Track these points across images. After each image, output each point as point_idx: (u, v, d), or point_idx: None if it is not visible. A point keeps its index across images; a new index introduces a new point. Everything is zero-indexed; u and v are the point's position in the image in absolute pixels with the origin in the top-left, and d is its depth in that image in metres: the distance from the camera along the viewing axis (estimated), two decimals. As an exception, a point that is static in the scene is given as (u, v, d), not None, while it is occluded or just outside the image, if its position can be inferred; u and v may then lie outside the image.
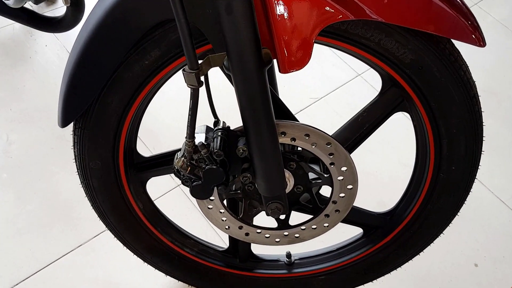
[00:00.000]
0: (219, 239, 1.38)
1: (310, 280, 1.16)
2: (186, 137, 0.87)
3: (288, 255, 1.16)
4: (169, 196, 1.47)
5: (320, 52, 1.88)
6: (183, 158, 0.90)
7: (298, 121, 0.94)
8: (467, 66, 0.89)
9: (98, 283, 1.29)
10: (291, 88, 1.81)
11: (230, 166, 0.92)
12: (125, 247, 1.14)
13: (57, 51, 1.76)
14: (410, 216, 1.05)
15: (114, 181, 1.01)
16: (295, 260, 1.16)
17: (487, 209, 1.55)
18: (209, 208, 1.03)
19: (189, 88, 0.81)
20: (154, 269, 1.16)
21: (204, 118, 0.99)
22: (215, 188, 0.92)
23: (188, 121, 0.85)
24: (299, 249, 1.17)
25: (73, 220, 1.39)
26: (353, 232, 1.13)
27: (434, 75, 0.86)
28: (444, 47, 0.85)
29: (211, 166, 0.88)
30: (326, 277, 1.15)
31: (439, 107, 0.90)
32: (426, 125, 0.93)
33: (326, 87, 1.79)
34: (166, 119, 1.66)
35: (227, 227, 1.05)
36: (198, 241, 1.17)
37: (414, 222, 1.05)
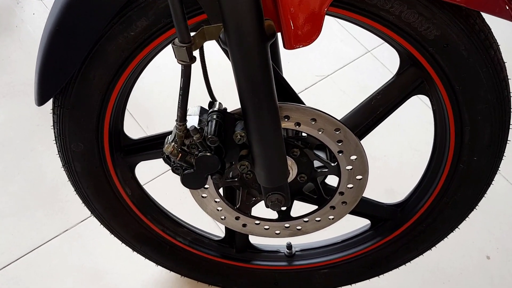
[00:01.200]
0: (216, 227, 1.31)
1: (312, 273, 1.11)
2: (176, 120, 0.78)
3: (289, 246, 1.11)
4: (162, 179, 1.40)
5: (327, 26, 1.76)
6: (173, 143, 0.81)
7: (303, 103, 0.84)
8: (498, 45, 0.79)
9: (84, 272, 1.24)
10: (295, 64, 1.70)
11: (226, 153, 0.84)
12: (112, 235, 1.07)
13: (45, 20, 1.64)
14: (424, 209, 0.99)
15: (98, 165, 0.94)
16: (296, 251, 1.11)
17: (501, 198, 1.47)
18: (203, 196, 0.95)
19: (180, 65, 0.71)
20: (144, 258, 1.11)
21: (200, 99, 0.90)
22: (209, 177, 0.83)
23: (178, 102, 0.76)
24: (300, 240, 1.10)
25: (59, 203, 1.33)
26: (359, 223, 1.07)
27: (461, 54, 0.77)
28: (474, 22, 0.75)
29: (204, 153, 0.79)
30: (329, 271, 1.10)
31: (464, 90, 0.81)
32: (448, 111, 0.85)
33: (333, 64, 1.69)
34: (162, 96, 1.57)
35: (222, 217, 0.98)
36: (192, 230, 1.11)
37: (427, 216, 0.99)
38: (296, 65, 1.70)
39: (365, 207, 1.01)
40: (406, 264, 1.09)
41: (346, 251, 1.07)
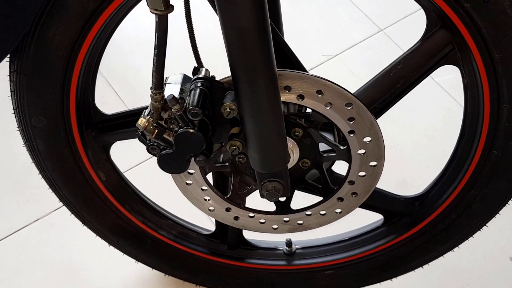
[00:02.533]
0: (208, 220, 1.19)
1: (314, 274, 1.01)
2: (151, 88, 0.64)
3: (289, 243, 1.01)
4: (149, 164, 1.29)
5: (336, 3, 1.67)
6: (148, 117, 0.68)
7: (307, 72, 0.70)
8: (551, 2, 0.65)
9: (55, 267, 1.16)
10: (300, 42, 1.63)
11: (214, 131, 0.71)
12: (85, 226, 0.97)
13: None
14: (447, 203, 0.88)
15: (65, 144, 0.84)
16: (297, 249, 1.02)
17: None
18: (187, 183, 0.82)
19: (153, 15, 0.57)
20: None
21: (188, 70, 0.76)
22: (192, 159, 0.69)
23: (153, 64, 0.61)
24: (302, 236, 1.00)
25: (31, 189, 1.24)
26: (370, 218, 0.97)
27: (504, 11, 0.64)
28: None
29: (185, 130, 0.66)
30: (333, 272, 1.01)
31: (505, 59, 0.69)
32: (483, 85, 0.73)
33: (342, 43, 1.60)
34: (149, 67, 1.44)
35: (211, 208, 0.86)
36: (178, 222, 1.00)
37: (451, 211, 0.89)
38: (301, 44, 1.60)
39: (378, 200, 0.91)
40: (423, 266, 0.99)
41: (355, 250, 0.98)
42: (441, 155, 1.44)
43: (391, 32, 1.64)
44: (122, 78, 1.41)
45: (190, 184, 0.83)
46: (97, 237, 0.98)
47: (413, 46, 0.73)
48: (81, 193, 0.89)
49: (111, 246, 1.00)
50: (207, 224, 1.11)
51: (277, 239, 1.01)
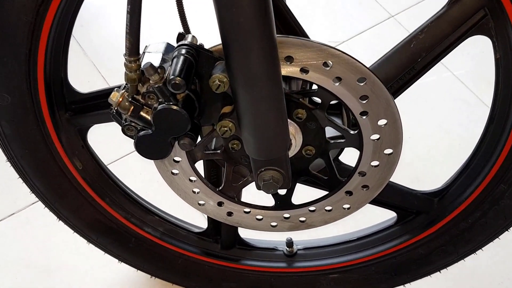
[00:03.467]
0: (200, 216, 1.10)
1: (318, 278, 0.95)
2: (125, 54, 0.54)
3: (289, 243, 0.94)
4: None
5: None
6: (123, 91, 0.57)
7: (313, 39, 0.60)
8: None
9: (30, 266, 1.10)
10: (307, 27, 1.52)
11: (203, 110, 0.61)
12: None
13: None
14: (471, 200, 0.81)
15: (34, 126, 0.75)
16: (299, 250, 0.95)
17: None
18: (173, 173, 0.73)
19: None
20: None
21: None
22: (176, 142, 0.59)
23: (126, 24, 0.51)
24: (304, 236, 0.95)
25: (7, 181, 1.17)
26: (382, 215, 0.91)
27: None
28: None
29: (166, 106, 0.56)
30: (340, 276, 0.94)
31: None
32: None
33: (350, 29, 1.55)
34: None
35: (201, 202, 0.78)
36: (165, 218, 0.92)
37: (475, 209, 0.81)
38: (307, 29, 1.51)
39: (391, 195, 0.83)
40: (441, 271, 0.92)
41: (364, 252, 0.92)
42: (456, 150, 1.34)
43: (402, 18, 1.58)
44: (110, 61, 1.34)
45: (177, 174, 0.73)
46: (76, 233, 0.89)
47: (438, 12, 0.64)
48: (55, 184, 0.81)
49: (90, 244, 0.91)
50: (199, 221, 1.02)
51: (276, 239, 0.95)
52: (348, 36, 1.53)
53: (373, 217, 0.94)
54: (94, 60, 1.31)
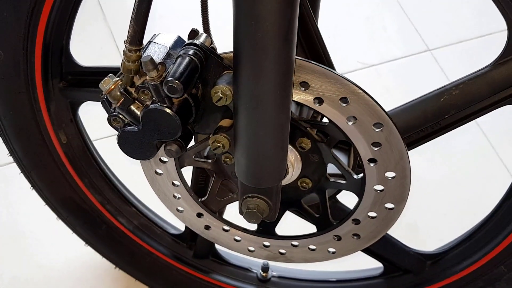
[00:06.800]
0: None
1: None
2: (125, 41, 0.48)
3: (265, 268, 0.87)
4: None
5: (386, 9, 1.52)
6: (117, 79, 0.51)
7: (335, 71, 0.53)
8: None
9: None
10: (336, 42, 1.50)
11: (200, 117, 0.55)
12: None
13: None
14: (466, 273, 0.73)
15: (23, 89, 0.69)
16: (273, 276, 0.88)
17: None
18: (157, 173, 0.66)
19: None
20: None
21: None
22: (161, 147, 0.53)
23: (133, 10, 0.46)
24: (282, 263, 0.84)
25: None
26: (370, 259, 0.82)
27: None
28: None
29: (159, 107, 0.50)
30: None
31: None
32: None
33: (382, 53, 1.46)
34: (167, 24, 1.27)
35: (180, 209, 0.70)
36: (142, 212, 0.86)
37: (468, 284, 0.74)
38: (338, 44, 1.44)
39: (382, 247, 0.75)
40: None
41: None
42: (463, 205, 1.24)
43: (440, 55, 1.47)
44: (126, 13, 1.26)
45: (160, 174, 0.67)
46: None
47: (479, 70, 0.56)
48: (34, 152, 0.75)
49: (60, 221, 0.85)
50: (179, 222, 0.95)
51: (253, 259, 0.85)
52: (379, 61, 1.44)
53: (361, 257, 0.82)
54: (112, 28, 1.23)
